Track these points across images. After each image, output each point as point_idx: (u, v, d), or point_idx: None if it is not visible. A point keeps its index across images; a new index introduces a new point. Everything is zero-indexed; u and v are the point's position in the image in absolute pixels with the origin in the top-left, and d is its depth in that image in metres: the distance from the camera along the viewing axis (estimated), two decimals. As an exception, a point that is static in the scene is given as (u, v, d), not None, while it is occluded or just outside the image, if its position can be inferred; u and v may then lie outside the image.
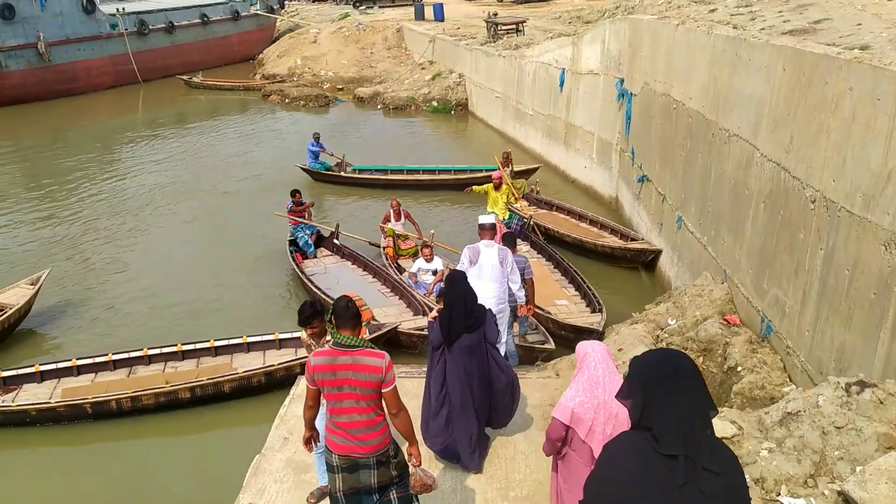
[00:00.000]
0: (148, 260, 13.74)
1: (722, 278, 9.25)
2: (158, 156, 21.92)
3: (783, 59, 7.44)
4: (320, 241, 13.43)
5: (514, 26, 26.10)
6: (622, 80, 14.43)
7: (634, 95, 13.70)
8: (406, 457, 4.71)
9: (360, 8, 48.24)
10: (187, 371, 9.24)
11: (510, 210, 12.84)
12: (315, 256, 13.04)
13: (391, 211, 12.79)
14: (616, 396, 2.84)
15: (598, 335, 9.38)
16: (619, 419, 4.26)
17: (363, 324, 5.30)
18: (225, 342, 9.61)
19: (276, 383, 8.87)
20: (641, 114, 13.28)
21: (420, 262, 11.39)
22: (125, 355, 9.36)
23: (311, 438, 4.91)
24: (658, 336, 8.63)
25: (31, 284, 11.12)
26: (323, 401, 4.70)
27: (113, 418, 8.48)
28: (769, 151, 7.78)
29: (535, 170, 17.38)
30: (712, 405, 2.58)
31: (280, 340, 9.67)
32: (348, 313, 4.46)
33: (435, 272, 11.13)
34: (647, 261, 12.34)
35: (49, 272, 11.69)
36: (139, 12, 37.29)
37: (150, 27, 37.13)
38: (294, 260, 12.54)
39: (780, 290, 7.51)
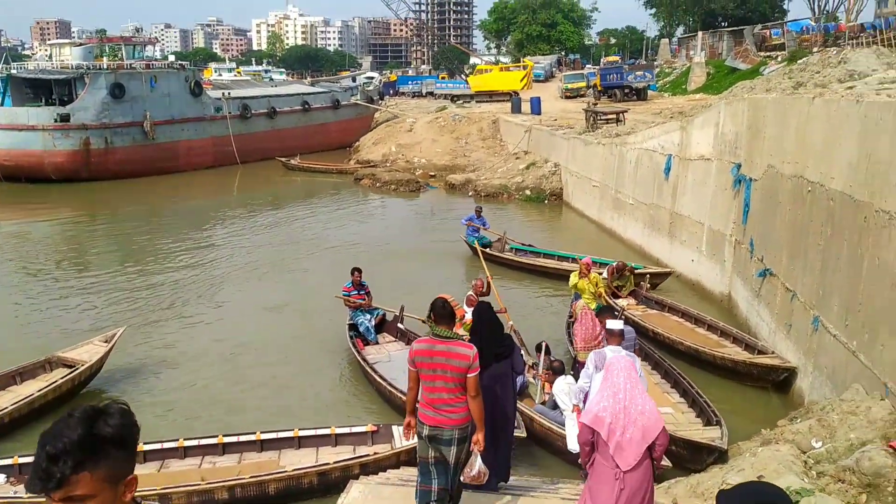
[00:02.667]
0: (210, 336, 12.79)
1: (881, 393, 7.38)
2: (248, 234, 21.55)
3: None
4: (382, 324, 12.12)
5: (614, 116, 25.07)
6: (739, 165, 12.92)
7: (754, 181, 12.14)
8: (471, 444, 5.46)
9: (458, 102, 48.91)
10: (227, 467, 7.92)
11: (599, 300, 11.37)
12: (377, 343, 11.72)
13: (472, 294, 10.88)
14: None
15: (720, 456, 7.60)
16: (637, 425, 4.80)
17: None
18: (273, 435, 8.23)
19: (329, 485, 7.46)
20: (764, 200, 11.67)
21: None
22: (157, 446, 8.03)
23: (409, 424, 5.64)
24: (806, 462, 6.79)
25: (105, 342, 10.50)
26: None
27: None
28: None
29: (666, 275, 15.16)
30: None
31: (336, 436, 8.32)
32: (445, 312, 5.48)
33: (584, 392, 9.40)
34: (777, 380, 10.34)
35: (123, 331, 10.99)
36: (244, 97, 38.59)
37: (253, 112, 38.26)
38: (354, 346, 11.26)
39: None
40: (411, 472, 7.19)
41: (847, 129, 8.52)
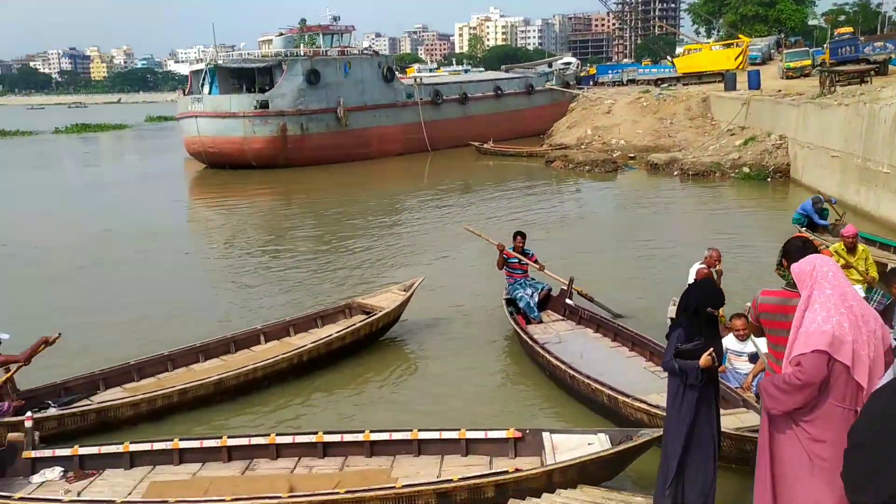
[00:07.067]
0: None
1: None
2: (436, 214, 20.00)
3: None
4: (547, 301, 9.94)
5: (857, 74, 20.56)
6: None
7: None
8: None
9: (663, 86, 44.78)
10: (325, 475, 6.00)
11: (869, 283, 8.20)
12: (540, 321, 9.49)
13: (703, 265, 8.54)
14: None
15: None
16: (877, 336, 3.76)
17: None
18: (385, 436, 6.29)
19: (450, 509, 5.32)
20: None
21: (729, 340, 7.05)
22: (244, 441, 6.41)
23: None
24: None
25: (404, 291, 9.98)
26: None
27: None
28: None
29: None
30: None
31: (467, 442, 6.13)
32: (807, 254, 4.29)
33: (754, 357, 6.78)
34: None
35: (421, 281, 10.19)
36: (435, 83, 37.66)
37: (444, 97, 37.19)
38: (516, 323, 9.06)
39: None
40: (574, 502, 4.83)
41: None
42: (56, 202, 24.15)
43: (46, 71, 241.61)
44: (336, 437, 6.27)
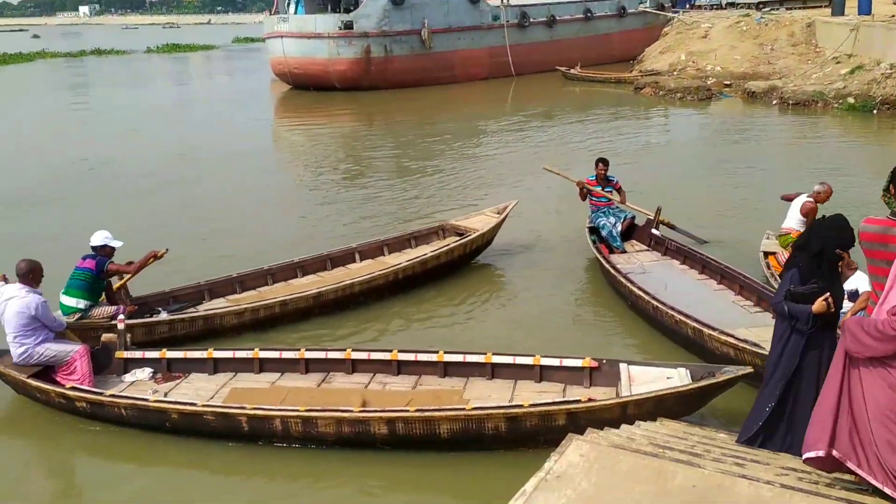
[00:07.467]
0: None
1: None
2: (517, 140, 19.59)
3: None
4: (631, 231, 9.65)
5: None
6: None
7: None
8: None
9: (764, 10, 42.01)
10: (398, 392, 6.12)
11: None
12: (623, 251, 9.22)
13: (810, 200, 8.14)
14: None
15: None
16: None
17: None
18: (459, 357, 6.26)
19: (522, 435, 5.33)
20: None
21: None
22: (321, 354, 6.54)
23: None
24: None
25: (497, 213, 9.93)
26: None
27: (274, 445, 5.67)
28: None
29: None
30: None
31: (541, 368, 6.04)
32: None
33: (854, 294, 6.40)
34: None
35: (515, 204, 10.08)
36: (522, 5, 36.42)
37: (531, 20, 35.98)
38: (599, 252, 8.83)
39: None
40: (655, 434, 4.71)
41: None
42: (143, 120, 24.74)
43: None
44: (410, 356, 6.31)
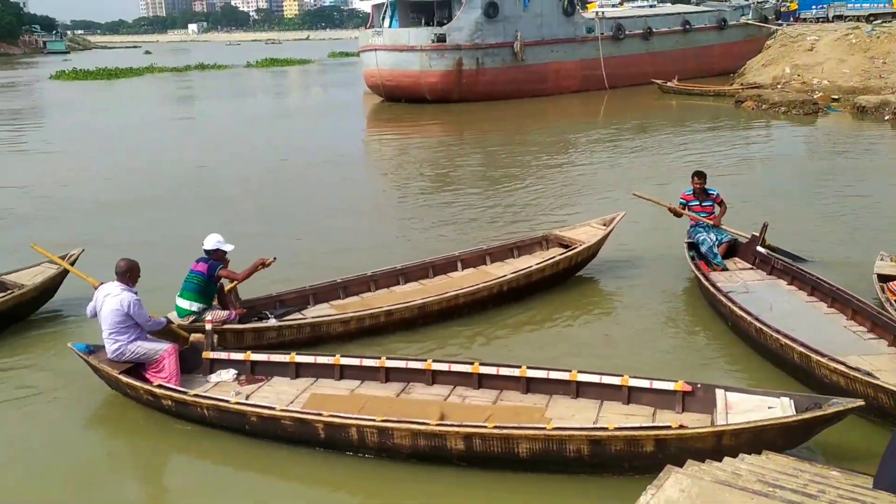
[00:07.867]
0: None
1: None
2: (609, 154, 19.20)
3: None
4: (734, 250, 9.10)
5: None
6: None
7: None
8: None
9: (875, 22, 39.79)
10: (478, 406, 5.89)
11: None
12: (724, 268, 8.67)
13: None
14: None
15: None
16: None
17: None
18: (542, 374, 5.98)
19: (605, 461, 5.03)
20: None
21: None
22: (401, 363, 6.40)
23: None
24: None
25: (604, 225, 9.69)
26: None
27: (347, 454, 5.57)
28: None
29: None
30: None
31: (629, 389, 5.72)
32: None
33: None
34: None
35: (623, 216, 9.78)
36: (618, 17, 35.80)
37: (627, 32, 35.29)
38: (698, 268, 8.35)
39: None
40: (762, 469, 4.29)
41: None
42: (239, 130, 25.60)
43: (245, 10, 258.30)
44: (492, 370, 6.08)
